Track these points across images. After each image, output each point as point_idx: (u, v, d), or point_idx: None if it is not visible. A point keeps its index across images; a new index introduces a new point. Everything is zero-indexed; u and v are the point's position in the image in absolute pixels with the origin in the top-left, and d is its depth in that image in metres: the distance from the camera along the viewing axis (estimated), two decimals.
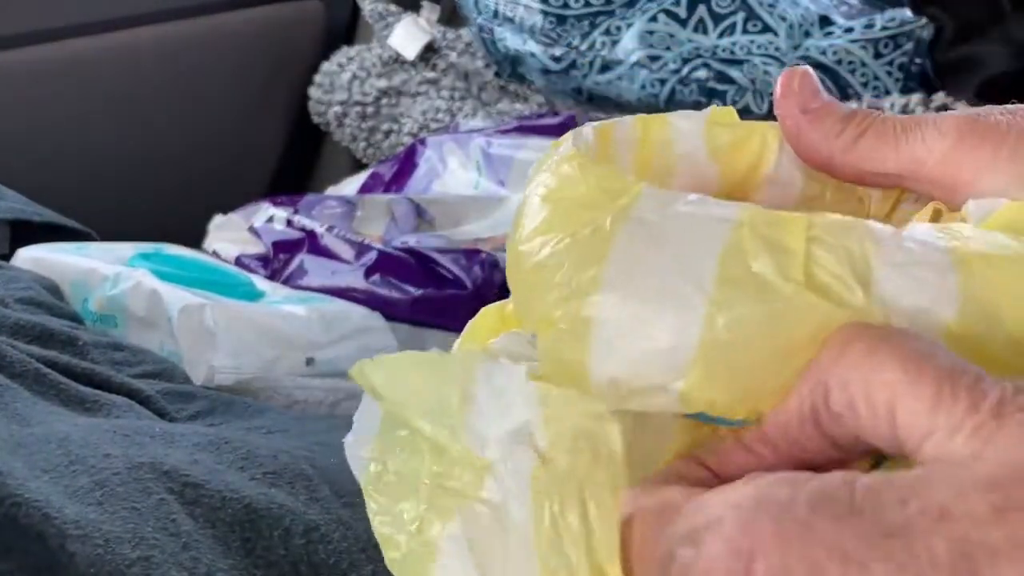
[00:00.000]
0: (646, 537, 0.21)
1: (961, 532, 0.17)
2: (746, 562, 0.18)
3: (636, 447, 0.24)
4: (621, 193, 0.23)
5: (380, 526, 0.23)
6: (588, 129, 0.27)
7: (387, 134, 1.06)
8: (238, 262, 0.85)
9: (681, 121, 0.28)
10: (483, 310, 0.29)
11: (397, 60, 1.07)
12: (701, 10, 0.84)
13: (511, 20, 0.91)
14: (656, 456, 0.24)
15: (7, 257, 0.67)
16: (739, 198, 0.28)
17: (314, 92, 1.10)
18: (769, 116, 0.92)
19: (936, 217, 0.27)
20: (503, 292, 0.75)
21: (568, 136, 0.26)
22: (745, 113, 0.83)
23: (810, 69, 0.28)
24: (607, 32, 0.86)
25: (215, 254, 0.87)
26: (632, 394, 0.22)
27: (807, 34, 0.83)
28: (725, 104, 0.83)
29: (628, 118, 0.28)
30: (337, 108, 1.08)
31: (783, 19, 0.83)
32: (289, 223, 0.88)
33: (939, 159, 0.27)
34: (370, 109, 1.07)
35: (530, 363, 0.24)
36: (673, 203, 0.22)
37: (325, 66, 1.11)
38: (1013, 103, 0.30)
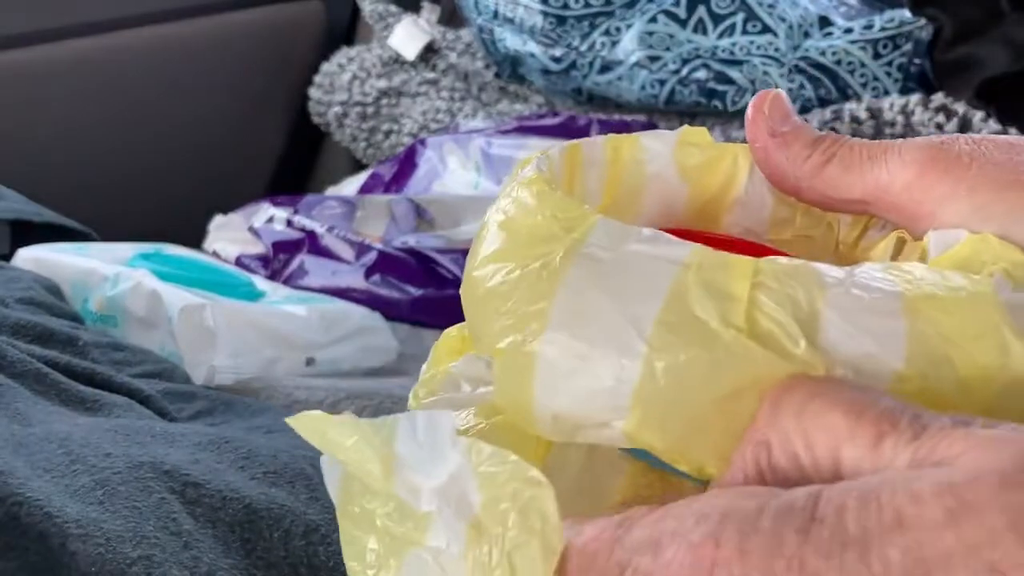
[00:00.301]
0: (589, 562, 0.21)
1: (915, 539, 0.17)
2: (708, 571, 0.18)
3: (586, 481, 0.24)
4: (575, 224, 0.23)
5: (346, 557, 0.24)
6: (555, 151, 0.27)
7: (387, 134, 1.06)
8: (238, 262, 0.85)
9: (652, 141, 0.28)
10: (445, 332, 0.29)
11: (397, 60, 1.08)
12: (701, 11, 0.84)
13: (511, 21, 0.91)
14: (606, 492, 0.25)
15: (7, 257, 0.67)
16: (709, 219, 0.28)
17: (314, 92, 1.10)
18: None
19: (900, 246, 0.28)
20: None
21: (533, 158, 0.26)
22: (744, 114, 0.83)
23: (783, 93, 0.29)
24: (607, 33, 0.86)
25: (215, 254, 0.87)
26: (577, 429, 0.22)
27: (806, 35, 0.83)
28: (725, 104, 0.83)
29: (599, 138, 0.28)
30: (337, 108, 1.08)
31: (782, 20, 0.83)
32: (289, 223, 0.88)
33: (902, 188, 0.27)
34: (370, 109, 1.07)
35: (459, 411, 0.25)
36: (625, 240, 0.22)
37: (325, 66, 1.11)
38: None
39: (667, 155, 0.28)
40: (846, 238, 0.29)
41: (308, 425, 0.24)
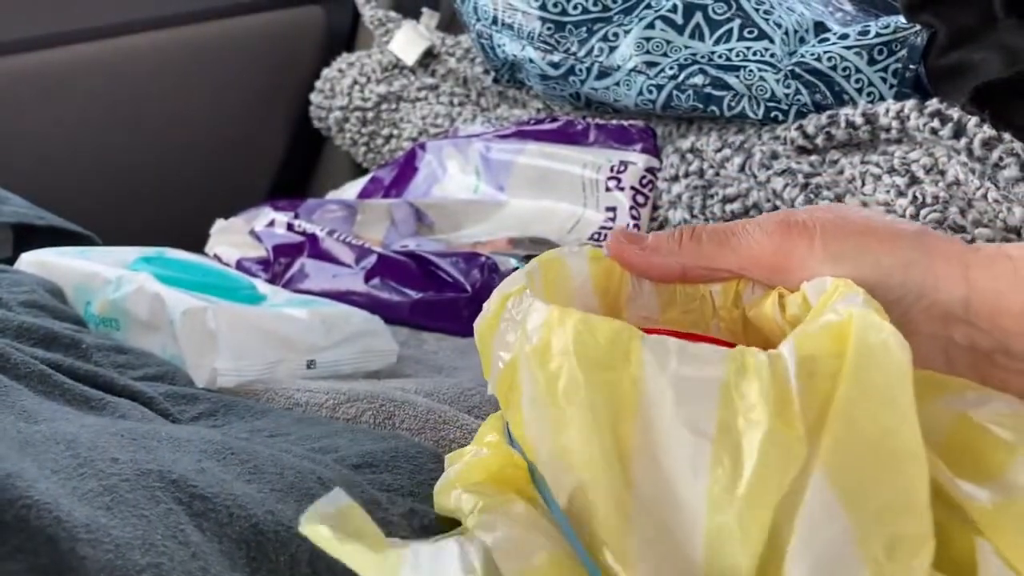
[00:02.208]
0: None
1: None
2: None
3: None
4: (627, 351, 0.27)
5: None
6: (520, 274, 0.33)
7: (387, 139, 1.07)
8: (239, 266, 0.86)
9: (572, 259, 0.35)
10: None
11: (397, 66, 1.08)
12: (697, 17, 0.84)
13: (510, 26, 0.92)
14: None
15: (11, 261, 0.68)
16: (615, 315, 0.34)
17: (315, 97, 1.11)
18: (764, 122, 0.92)
19: (781, 300, 0.35)
20: None
21: (522, 288, 0.31)
22: (742, 119, 0.84)
23: (621, 225, 0.38)
24: (605, 38, 0.87)
25: (216, 258, 0.88)
26: None
27: (802, 40, 0.84)
28: (721, 110, 0.83)
29: (532, 262, 0.34)
30: (338, 113, 1.08)
31: (778, 26, 0.83)
32: (290, 227, 0.88)
33: (771, 253, 0.35)
34: (370, 114, 1.07)
35: (459, 538, 0.27)
36: (668, 361, 0.27)
37: (326, 72, 1.11)
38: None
39: (584, 270, 0.34)
40: (723, 303, 0.36)
41: (330, 544, 0.26)
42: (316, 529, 0.25)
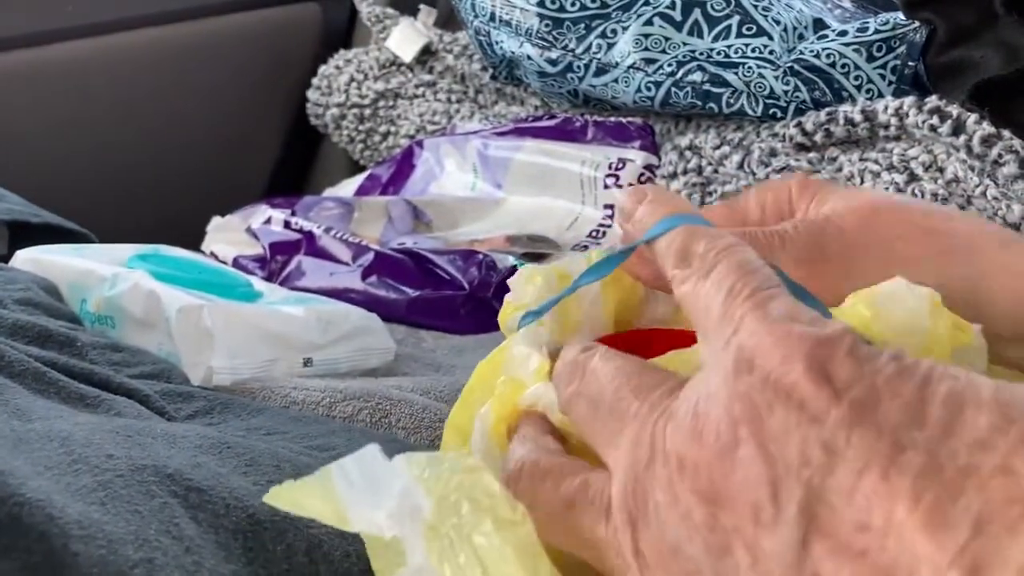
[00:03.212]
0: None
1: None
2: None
3: None
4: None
5: None
6: (529, 289, 0.33)
7: (384, 136, 1.06)
8: (236, 263, 0.86)
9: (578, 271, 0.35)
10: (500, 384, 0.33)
11: (394, 63, 1.08)
12: (696, 13, 0.84)
13: (508, 23, 0.91)
14: None
15: (6, 259, 0.67)
16: (623, 325, 0.35)
17: (312, 94, 1.11)
18: (763, 119, 0.91)
19: None
20: (499, 293, 0.78)
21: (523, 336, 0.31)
22: (740, 116, 0.84)
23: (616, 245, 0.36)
24: (603, 35, 0.87)
25: (213, 255, 0.88)
26: None
27: (801, 37, 0.83)
28: (720, 107, 0.83)
29: (548, 271, 0.34)
30: (335, 110, 1.08)
31: (777, 22, 0.83)
32: (287, 224, 0.88)
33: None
34: (367, 111, 1.07)
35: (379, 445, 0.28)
36: None
37: (323, 69, 1.11)
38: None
39: (595, 286, 0.34)
40: None
41: (283, 499, 0.26)
42: (275, 496, 0.26)
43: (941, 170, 0.69)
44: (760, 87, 0.81)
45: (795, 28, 0.84)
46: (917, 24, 0.78)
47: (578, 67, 0.88)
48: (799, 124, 0.76)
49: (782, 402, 0.20)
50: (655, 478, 0.22)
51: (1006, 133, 0.66)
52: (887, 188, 0.70)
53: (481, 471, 0.25)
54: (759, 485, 0.20)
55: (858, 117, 0.73)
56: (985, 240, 0.31)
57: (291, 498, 0.26)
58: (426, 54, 1.07)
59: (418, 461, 0.26)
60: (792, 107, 0.81)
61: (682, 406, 0.22)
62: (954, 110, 0.69)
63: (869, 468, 0.19)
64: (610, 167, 0.86)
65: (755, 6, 0.83)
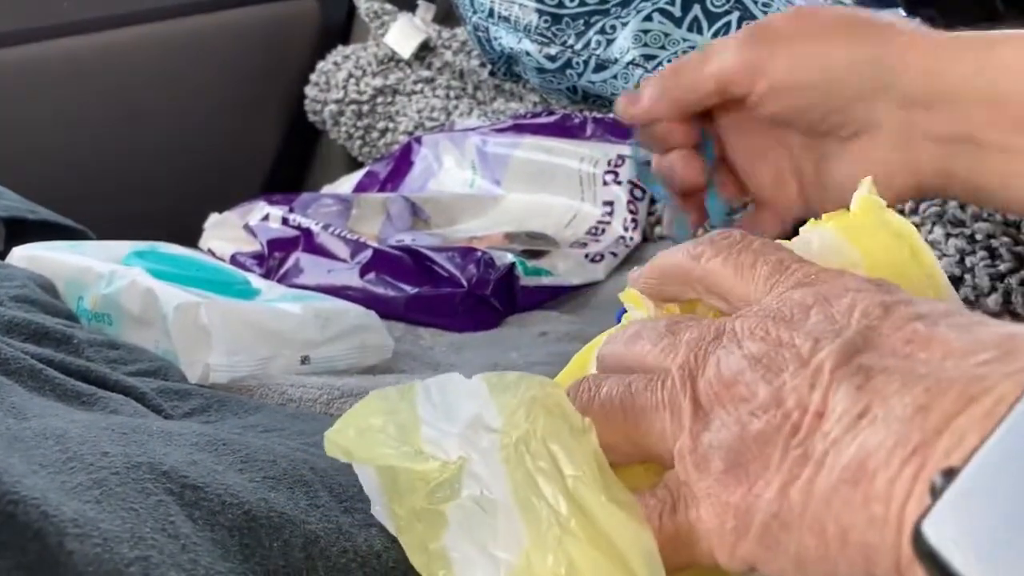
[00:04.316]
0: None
1: None
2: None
3: None
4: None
5: (412, 559, 0.28)
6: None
7: (383, 132, 1.06)
8: (233, 260, 0.85)
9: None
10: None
11: (393, 59, 1.08)
12: (695, 9, 0.84)
13: (506, 19, 0.91)
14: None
15: (2, 255, 0.67)
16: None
17: (310, 90, 1.10)
18: None
19: None
20: (497, 290, 0.78)
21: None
22: None
23: (625, 96, 0.49)
24: (602, 31, 0.87)
25: (210, 252, 0.87)
26: None
27: None
28: None
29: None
30: (333, 106, 1.08)
31: None
32: (285, 221, 0.88)
33: (741, 65, 0.46)
34: (366, 107, 1.07)
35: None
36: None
37: (321, 65, 1.11)
38: None
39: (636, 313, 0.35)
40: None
41: (342, 435, 0.28)
42: (330, 435, 0.28)
43: None
44: None
45: None
46: (918, 21, 0.78)
47: (577, 63, 0.88)
48: None
49: (851, 293, 0.27)
50: (721, 341, 0.27)
51: None
52: None
53: (553, 386, 0.28)
54: (824, 332, 0.26)
55: None
56: (897, 25, 0.41)
57: (359, 421, 0.28)
58: (424, 50, 1.07)
59: (490, 380, 0.28)
60: None
61: (751, 311, 0.28)
62: None
63: (918, 319, 0.25)
64: (609, 164, 0.86)
65: (755, 2, 0.83)
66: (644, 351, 0.29)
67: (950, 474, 0.21)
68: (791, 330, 0.26)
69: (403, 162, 0.97)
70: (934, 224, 0.62)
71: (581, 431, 0.26)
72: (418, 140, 0.98)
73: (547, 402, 0.27)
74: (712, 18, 0.84)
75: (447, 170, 0.95)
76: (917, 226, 0.47)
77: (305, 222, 0.86)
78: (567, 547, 0.25)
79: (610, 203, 0.86)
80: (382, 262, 0.80)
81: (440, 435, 0.27)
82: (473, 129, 0.95)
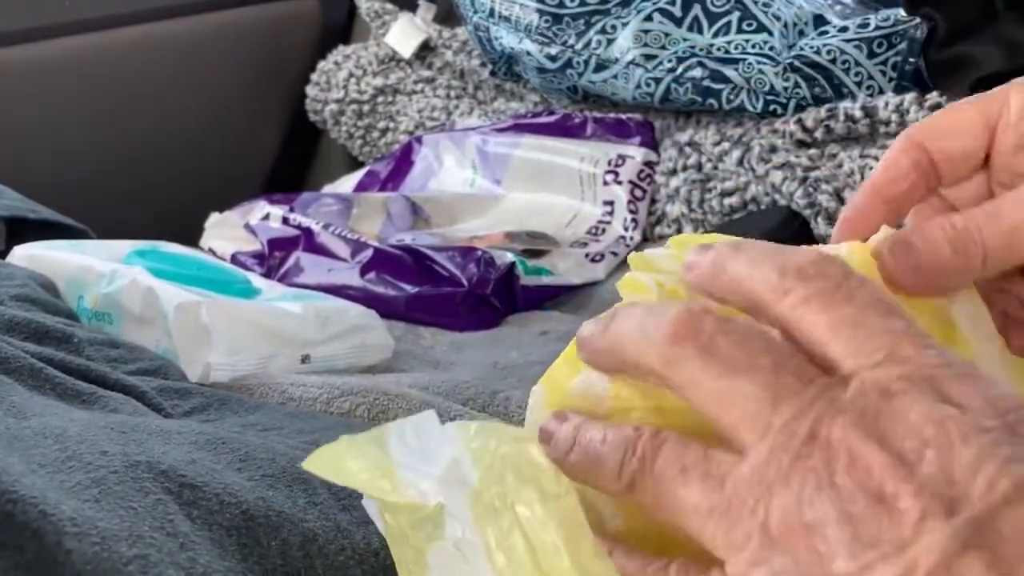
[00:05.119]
0: None
1: None
2: None
3: None
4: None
5: (400, 571, 0.27)
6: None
7: (383, 132, 1.06)
8: (234, 260, 0.85)
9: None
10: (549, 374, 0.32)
11: (393, 58, 1.08)
12: (696, 9, 0.84)
13: (507, 19, 0.91)
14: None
15: (3, 254, 0.67)
16: None
17: (311, 90, 1.10)
18: (763, 115, 0.91)
19: None
20: (497, 290, 0.78)
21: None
22: (740, 112, 0.84)
23: (884, 239, 0.29)
24: (603, 31, 0.87)
25: (211, 252, 0.87)
26: None
27: (801, 33, 0.83)
28: (720, 103, 0.83)
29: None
30: (333, 106, 1.08)
31: (777, 18, 0.83)
32: (285, 221, 0.88)
33: None
34: (366, 107, 1.07)
35: (436, 408, 0.28)
36: None
37: (322, 64, 1.11)
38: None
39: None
40: None
41: (323, 462, 0.26)
42: (313, 461, 0.27)
43: None
44: (760, 83, 0.81)
45: (795, 24, 0.83)
46: (918, 20, 0.78)
47: (577, 63, 0.88)
48: (799, 120, 0.76)
49: (976, 436, 0.21)
50: (811, 459, 0.22)
51: None
52: None
53: (528, 442, 0.26)
54: (934, 498, 0.21)
55: (858, 113, 0.73)
56: None
57: (334, 457, 0.26)
58: (425, 50, 1.07)
59: (467, 430, 0.26)
60: (792, 103, 0.81)
61: (855, 404, 0.22)
62: None
63: None
64: (609, 163, 0.86)
65: (755, 2, 0.83)
66: (708, 389, 0.23)
67: None
68: (897, 477, 0.21)
69: (404, 162, 0.97)
70: None
71: (555, 497, 0.25)
72: (419, 140, 0.98)
73: (518, 461, 0.25)
74: (712, 18, 0.84)
75: (447, 170, 0.95)
76: None
77: (306, 221, 0.86)
78: None
79: (610, 203, 0.86)
80: (382, 261, 0.80)
81: (418, 477, 0.26)
82: (474, 129, 0.95)
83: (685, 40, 0.84)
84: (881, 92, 0.78)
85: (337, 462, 0.26)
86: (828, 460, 0.22)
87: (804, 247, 0.25)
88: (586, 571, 0.24)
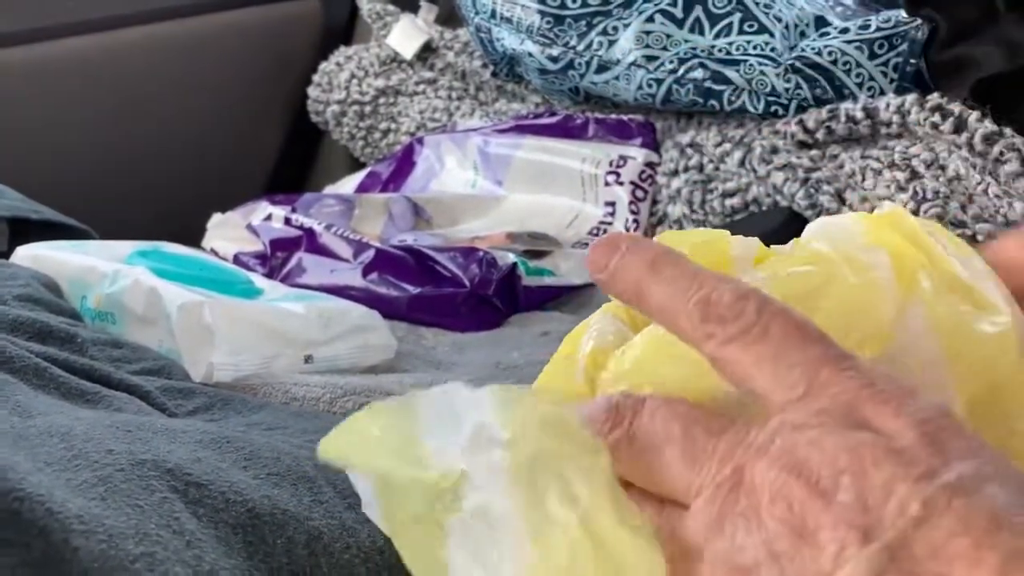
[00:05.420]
0: None
1: None
2: None
3: None
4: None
5: (409, 565, 0.27)
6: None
7: (385, 133, 1.06)
8: (236, 260, 0.86)
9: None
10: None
11: (395, 60, 1.08)
12: (697, 10, 0.84)
13: (509, 20, 0.91)
14: None
15: (6, 255, 0.67)
16: None
17: (312, 91, 1.11)
18: (765, 116, 0.91)
19: None
20: (499, 290, 0.78)
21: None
22: (742, 113, 0.84)
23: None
24: (604, 32, 0.87)
25: (213, 252, 0.88)
26: None
27: (802, 34, 0.83)
28: (722, 104, 0.83)
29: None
30: (335, 107, 1.08)
31: (779, 20, 0.83)
32: (287, 221, 0.88)
33: None
34: (368, 108, 1.07)
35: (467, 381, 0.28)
36: None
37: (323, 65, 1.11)
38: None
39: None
40: None
41: (349, 432, 0.27)
42: (324, 443, 0.27)
43: (943, 168, 0.69)
44: (762, 84, 0.81)
45: (797, 25, 0.84)
46: (919, 21, 0.78)
47: (579, 64, 0.88)
48: (801, 122, 0.76)
49: (887, 458, 0.22)
50: (738, 504, 0.23)
51: (1008, 131, 0.66)
52: (889, 186, 0.70)
53: (564, 403, 0.26)
54: (850, 528, 0.21)
55: (860, 115, 0.73)
56: None
57: (361, 426, 0.27)
58: (427, 51, 1.07)
59: (493, 393, 0.26)
60: (794, 104, 0.81)
61: (773, 443, 0.23)
62: (956, 107, 0.68)
63: (963, 534, 0.20)
64: (611, 164, 0.86)
65: (757, 3, 0.83)
66: (648, 467, 0.25)
67: None
68: (816, 509, 0.22)
69: (405, 162, 0.97)
70: None
71: (593, 452, 0.25)
72: (420, 141, 0.98)
73: (557, 420, 0.26)
74: (714, 19, 0.84)
75: (449, 170, 0.95)
76: None
77: (308, 222, 0.86)
78: (577, 572, 0.25)
79: (612, 204, 0.86)
80: (384, 262, 0.80)
81: (442, 445, 0.26)
82: (475, 130, 0.95)
83: (687, 41, 0.84)
84: (882, 93, 0.79)
85: (364, 430, 0.27)
86: (754, 503, 0.23)
87: (722, 275, 0.26)
88: (630, 527, 0.25)
